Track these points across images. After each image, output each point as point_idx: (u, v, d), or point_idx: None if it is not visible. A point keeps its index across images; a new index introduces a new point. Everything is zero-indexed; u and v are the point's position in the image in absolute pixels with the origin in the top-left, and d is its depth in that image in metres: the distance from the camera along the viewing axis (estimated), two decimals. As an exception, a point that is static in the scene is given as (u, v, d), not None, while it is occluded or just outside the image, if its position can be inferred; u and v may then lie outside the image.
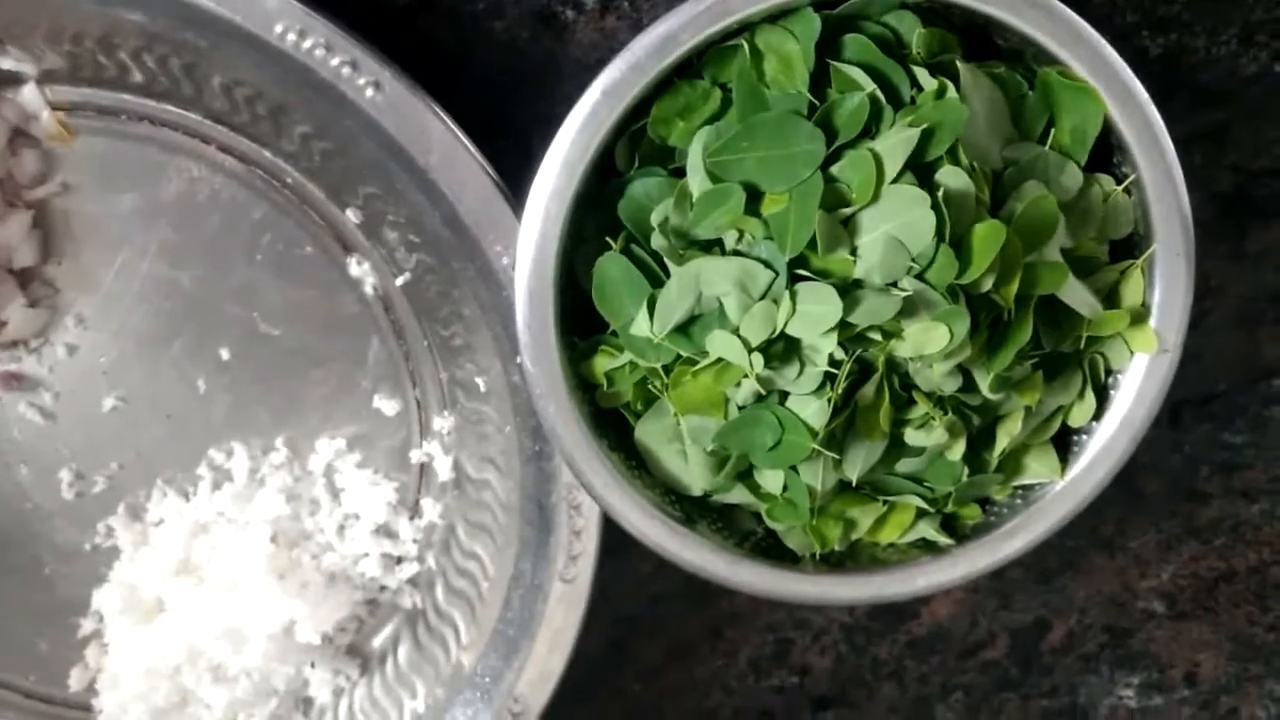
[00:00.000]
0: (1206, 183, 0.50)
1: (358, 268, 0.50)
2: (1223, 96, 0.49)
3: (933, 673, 0.56)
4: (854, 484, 0.43)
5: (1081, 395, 0.44)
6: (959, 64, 0.40)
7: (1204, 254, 0.51)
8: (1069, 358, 0.44)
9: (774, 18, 0.40)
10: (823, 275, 0.39)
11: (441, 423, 0.51)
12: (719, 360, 0.41)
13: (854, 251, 0.39)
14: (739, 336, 0.40)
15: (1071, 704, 0.57)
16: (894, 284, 0.39)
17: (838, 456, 0.41)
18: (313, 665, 0.52)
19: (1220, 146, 0.50)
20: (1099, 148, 0.42)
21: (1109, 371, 0.44)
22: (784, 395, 0.41)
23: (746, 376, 0.40)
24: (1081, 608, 0.56)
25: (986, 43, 0.43)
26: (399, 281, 0.50)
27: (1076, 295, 0.42)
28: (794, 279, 0.39)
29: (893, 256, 0.39)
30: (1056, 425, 0.44)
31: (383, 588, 0.53)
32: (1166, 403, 0.48)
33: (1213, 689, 0.57)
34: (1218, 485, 0.54)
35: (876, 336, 0.40)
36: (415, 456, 0.52)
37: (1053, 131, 0.42)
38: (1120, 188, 0.42)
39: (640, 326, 0.42)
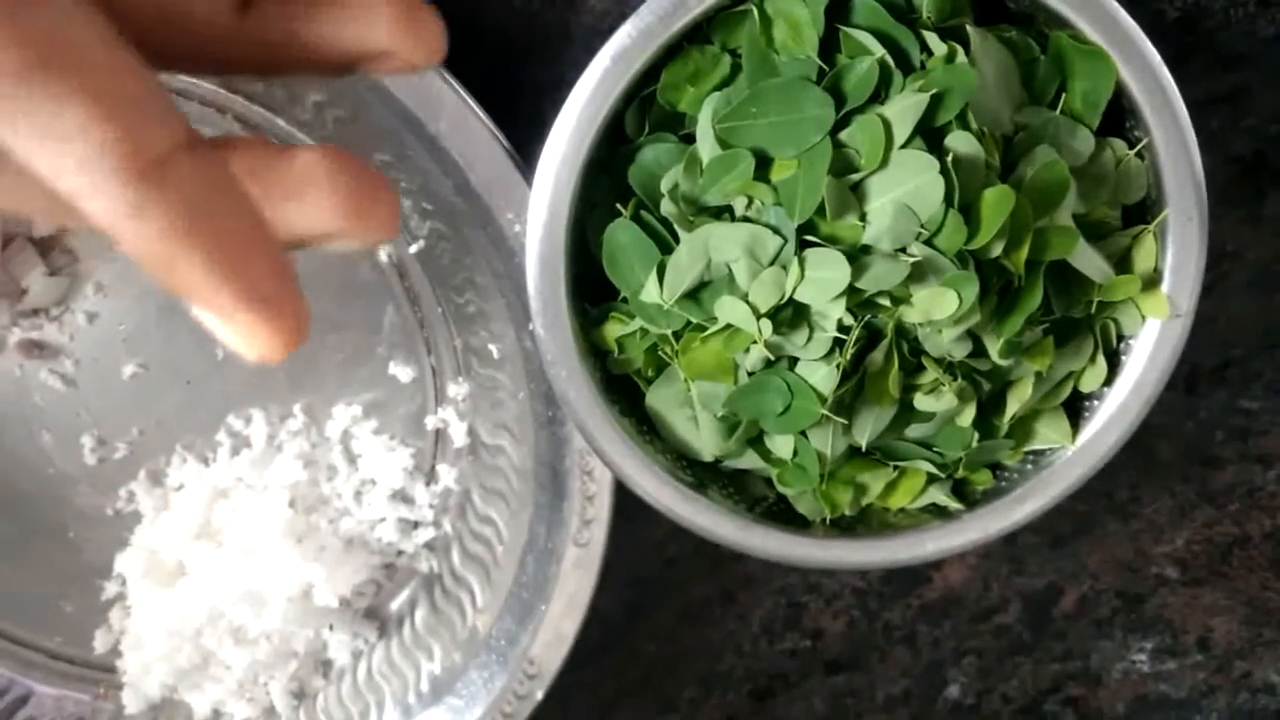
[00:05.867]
0: (1224, 146, 0.50)
1: (372, 235, 0.50)
2: (1240, 59, 0.49)
3: (945, 637, 0.56)
4: (864, 449, 0.43)
5: (1093, 361, 0.44)
6: (969, 28, 0.40)
7: (1221, 218, 0.51)
8: (1080, 323, 0.43)
9: (783, -18, 0.40)
10: (831, 241, 0.39)
11: (456, 389, 0.52)
12: (728, 326, 0.41)
13: (863, 217, 0.39)
14: (748, 302, 0.40)
15: (1084, 668, 0.57)
16: (903, 249, 0.39)
17: (846, 422, 0.42)
18: (331, 628, 0.53)
19: (1238, 110, 0.49)
20: (1112, 112, 0.42)
21: (1121, 337, 0.44)
22: (793, 361, 0.42)
23: (755, 342, 0.40)
24: (1094, 573, 0.56)
25: (998, 6, 0.43)
26: (413, 249, 0.50)
27: (1088, 260, 0.41)
28: (803, 245, 0.39)
29: (902, 222, 0.39)
30: (1068, 391, 0.44)
31: (400, 552, 0.54)
32: (1182, 368, 0.48)
33: (1226, 654, 0.57)
34: (1233, 451, 0.54)
35: (885, 302, 0.40)
36: (431, 423, 0.52)
37: (1064, 96, 0.41)
38: (1133, 152, 0.42)
39: (650, 293, 0.42)
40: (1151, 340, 0.43)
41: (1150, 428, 0.52)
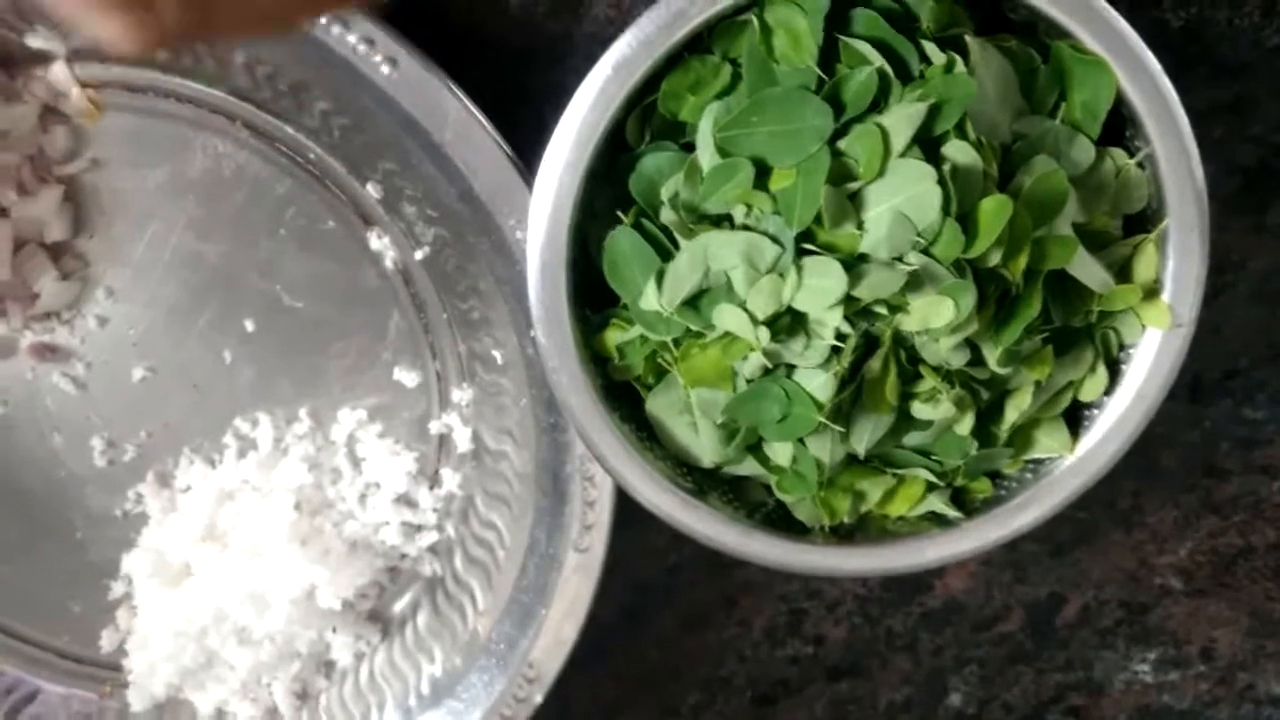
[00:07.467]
0: (1227, 156, 0.50)
1: (378, 241, 0.51)
2: (1244, 69, 0.49)
3: (947, 645, 0.56)
4: (862, 457, 0.43)
5: (1093, 370, 0.44)
6: (968, 38, 0.40)
7: (1225, 228, 0.51)
8: (1080, 332, 0.43)
9: (783, -8, 0.40)
10: (829, 249, 0.39)
11: (460, 395, 0.52)
12: (726, 334, 0.41)
13: (861, 226, 0.39)
14: (746, 310, 0.40)
15: (1087, 678, 0.57)
16: (900, 258, 0.39)
17: (843, 429, 0.42)
18: (334, 630, 0.54)
19: (1241, 119, 0.49)
20: (1113, 122, 0.42)
21: (1122, 346, 0.44)
22: (792, 369, 0.42)
23: (753, 350, 0.41)
24: (1097, 583, 0.56)
25: (999, 16, 0.43)
26: (418, 255, 0.50)
27: (1087, 270, 0.42)
28: (801, 253, 0.40)
29: (899, 231, 0.39)
30: (1067, 400, 0.44)
31: (403, 555, 0.54)
32: (1186, 377, 0.48)
33: (1230, 665, 0.57)
34: (1237, 461, 0.54)
35: (882, 310, 0.40)
36: (435, 427, 0.53)
37: (1064, 105, 0.41)
38: (1133, 161, 0.42)
39: (649, 300, 0.42)
40: (1153, 350, 0.43)
41: (1154, 437, 0.52)
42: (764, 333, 0.40)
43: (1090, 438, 0.44)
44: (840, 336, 0.40)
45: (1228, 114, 0.49)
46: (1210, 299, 0.51)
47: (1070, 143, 0.41)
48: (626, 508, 0.47)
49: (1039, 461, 0.45)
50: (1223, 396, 0.53)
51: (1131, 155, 0.42)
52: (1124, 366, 0.44)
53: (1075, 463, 0.44)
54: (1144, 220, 0.43)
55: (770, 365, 0.41)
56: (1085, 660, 0.57)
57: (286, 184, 0.50)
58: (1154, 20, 0.48)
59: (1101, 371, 0.44)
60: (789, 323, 0.40)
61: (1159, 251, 0.42)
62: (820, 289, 0.39)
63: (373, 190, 0.50)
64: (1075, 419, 0.45)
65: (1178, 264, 0.42)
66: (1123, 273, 0.43)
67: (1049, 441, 0.45)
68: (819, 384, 0.41)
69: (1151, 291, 0.43)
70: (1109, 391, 0.44)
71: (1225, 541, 0.55)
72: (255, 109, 0.49)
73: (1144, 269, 0.43)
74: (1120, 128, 0.42)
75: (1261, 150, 0.50)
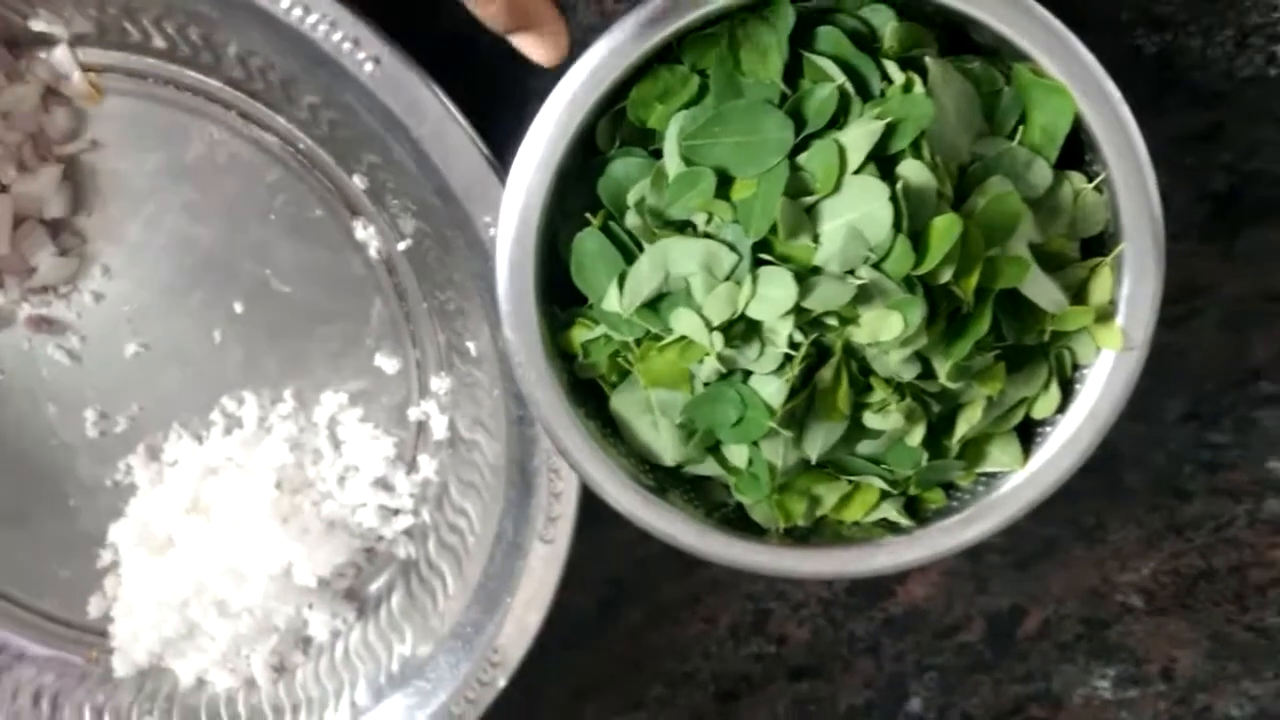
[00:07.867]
0: (1200, 183, 0.50)
1: (363, 231, 0.52)
2: (1217, 97, 0.49)
3: (908, 651, 0.57)
4: (813, 462, 0.44)
5: (1046, 388, 0.45)
6: (928, 59, 0.41)
7: (1194, 253, 0.51)
8: (1034, 351, 0.44)
9: (752, 8, 0.41)
10: (785, 260, 0.40)
11: (439, 383, 0.54)
12: (683, 337, 0.42)
13: (816, 239, 0.40)
14: (702, 315, 0.41)
15: (1045, 690, 0.58)
16: (852, 272, 0.40)
17: (793, 435, 0.43)
18: (311, 606, 0.55)
19: (1213, 147, 0.50)
20: (1072, 145, 0.43)
21: (1076, 366, 0.45)
22: (747, 374, 0.43)
23: (708, 354, 0.42)
24: (1059, 597, 0.56)
25: (967, 38, 0.43)
26: (400, 246, 0.52)
27: (1041, 290, 0.42)
28: (758, 263, 0.41)
29: (852, 245, 0.40)
30: (1020, 416, 0.45)
31: (380, 537, 0.56)
32: (1152, 400, 0.48)
33: (1189, 685, 0.57)
34: (1201, 484, 0.55)
35: (833, 322, 0.41)
36: (413, 414, 0.54)
37: (1023, 128, 0.42)
38: (1090, 185, 0.43)
39: (611, 301, 0.43)
40: (1106, 371, 0.44)
41: (1118, 458, 0.53)
42: (718, 338, 0.41)
43: (1042, 454, 0.45)
44: (793, 345, 0.41)
45: (1200, 142, 0.50)
46: (1179, 324, 0.52)
47: (1029, 165, 0.42)
48: (599, 502, 0.48)
49: (991, 475, 0.46)
50: (1189, 420, 0.54)
51: (1090, 179, 0.43)
52: (1077, 386, 0.45)
53: (1027, 478, 0.45)
54: (1102, 243, 0.44)
55: (725, 370, 0.42)
56: (1045, 673, 0.57)
57: (277, 172, 0.52)
58: (1127, 47, 0.48)
59: (1054, 390, 0.45)
60: (744, 329, 0.41)
61: (1115, 274, 0.43)
62: (773, 298, 0.40)
63: (358, 181, 0.51)
64: (1028, 435, 0.46)
65: (1133, 287, 0.43)
66: (1079, 294, 0.44)
67: (1001, 456, 0.45)
68: (772, 390, 0.42)
69: (1106, 314, 0.43)
70: (1062, 410, 0.45)
71: (1187, 563, 0.56)
72: (248, 98, 0.51)
73: (1099, 291, 0.43)
74: (1079, 152, 0.43)
75: (1233, 178, 0.50)
